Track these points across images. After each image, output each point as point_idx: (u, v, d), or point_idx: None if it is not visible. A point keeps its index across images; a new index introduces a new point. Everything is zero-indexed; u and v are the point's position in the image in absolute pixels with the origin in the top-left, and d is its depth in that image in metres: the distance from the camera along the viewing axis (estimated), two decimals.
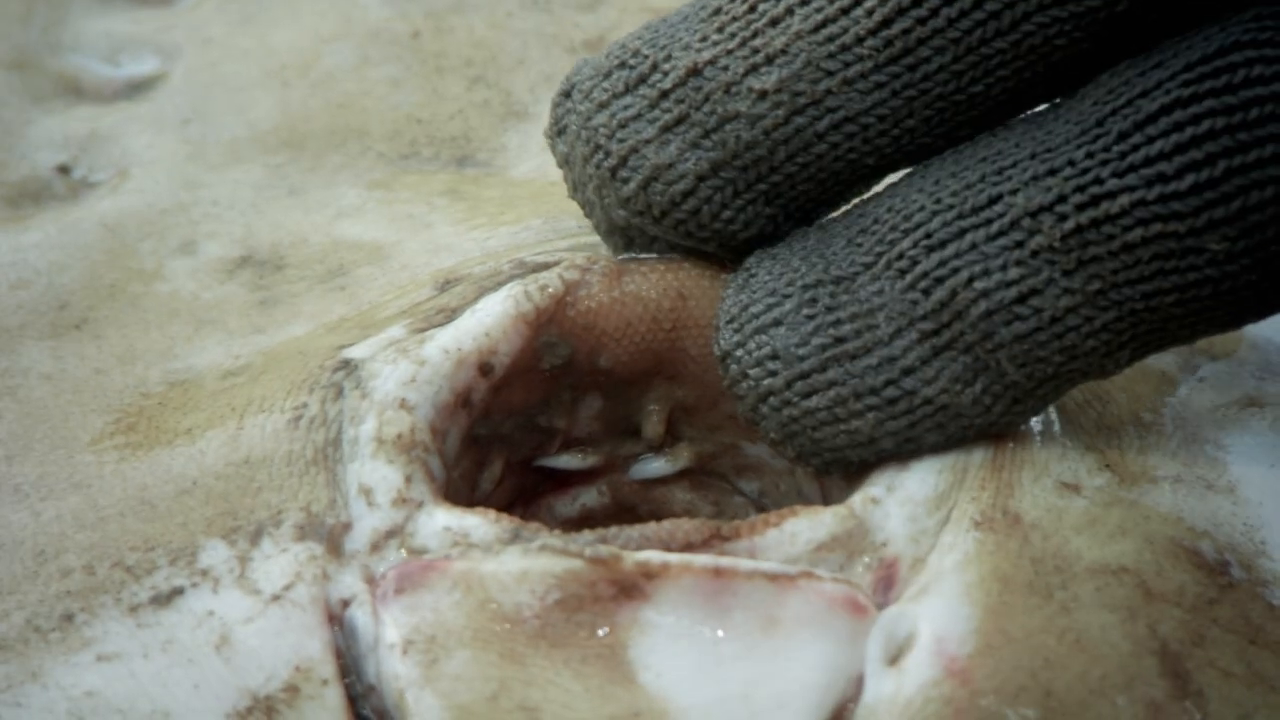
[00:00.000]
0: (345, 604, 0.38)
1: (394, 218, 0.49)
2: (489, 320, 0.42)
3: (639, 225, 0.41)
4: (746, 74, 0.39)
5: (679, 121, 0.40)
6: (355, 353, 0.42)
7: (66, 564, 0.39)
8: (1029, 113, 0.38)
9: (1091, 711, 0.35)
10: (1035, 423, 0.40)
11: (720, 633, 0.37)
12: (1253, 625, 0.37)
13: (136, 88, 0.56)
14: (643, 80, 0.40)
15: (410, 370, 0.41)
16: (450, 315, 0.43)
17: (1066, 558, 0.37)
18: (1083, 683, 0.36)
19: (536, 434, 0.44)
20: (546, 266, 0.43)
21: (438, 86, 0.55)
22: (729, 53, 0.39)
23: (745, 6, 0.39)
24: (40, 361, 0.45)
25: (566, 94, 0.42)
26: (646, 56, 0.40)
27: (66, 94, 0.56)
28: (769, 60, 0.39)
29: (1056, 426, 0.40)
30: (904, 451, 0.39)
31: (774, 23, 0.39)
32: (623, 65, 0.41)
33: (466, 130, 0.53)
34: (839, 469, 0.40)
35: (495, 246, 0.46)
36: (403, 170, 0.52)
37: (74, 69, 0.57)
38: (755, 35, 0.39)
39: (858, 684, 0.37)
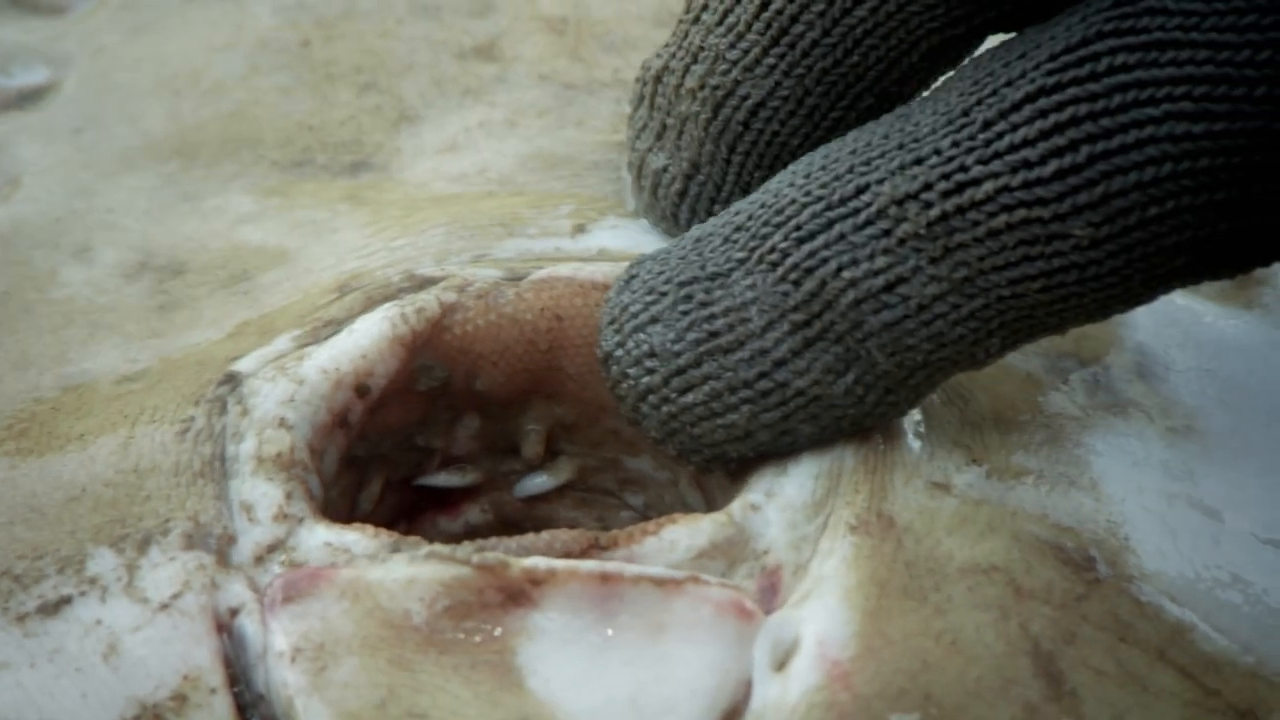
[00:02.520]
0: (234, 613, 0.37)
1: (296, 223, 0.48)
2: (365, 342, 0.41)
3: (667, 230, 0.44)
4: (683, 75, 0.41)
5: (662, 128, 0.43)
6: (241, 366, 0.41)
7: None
8: (899, 108, 0.38)
9: (970, 714, 0.35)
10: (905, 424, 0.39)
11: (608, 637, 0.36)
12: (1121, 622, 0.37)
13: (28, 97, 0.54)
14: (640, 93, 0.43)
15: (289, 389, 0.40)
16: (335, 328, 0.41)
17: (939, 559, 0.37)
18: (960, 684, 0.35)
19: (415, 453, 0.43)
20: (434, 281, 0.42)
21: (328, 94, 0.53)
22: (674, 56, 0.41)
23: (685, 9, 0.41)
24: None
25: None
26: (649, 66, 0.43)
27: None
28: (694, 59, 0.40)
29: (923, 427, 0.40)
30: (781, 445, 0.38)
31: (695, 20, 0.41)
32: (637, 79, 0.44)
33: (359, 136, 0.52)
34: (720, 465, 0.39)
35: (403, 250, 0.45)
36: (298, 178, 0.50)
37: None
38: (686, 35, 0.41)
39: (746, 688, 0.36)
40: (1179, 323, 0.45)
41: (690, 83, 0.40)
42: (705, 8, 0.40)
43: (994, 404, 0.41)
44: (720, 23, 0.40)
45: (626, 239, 0.45)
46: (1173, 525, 0.39)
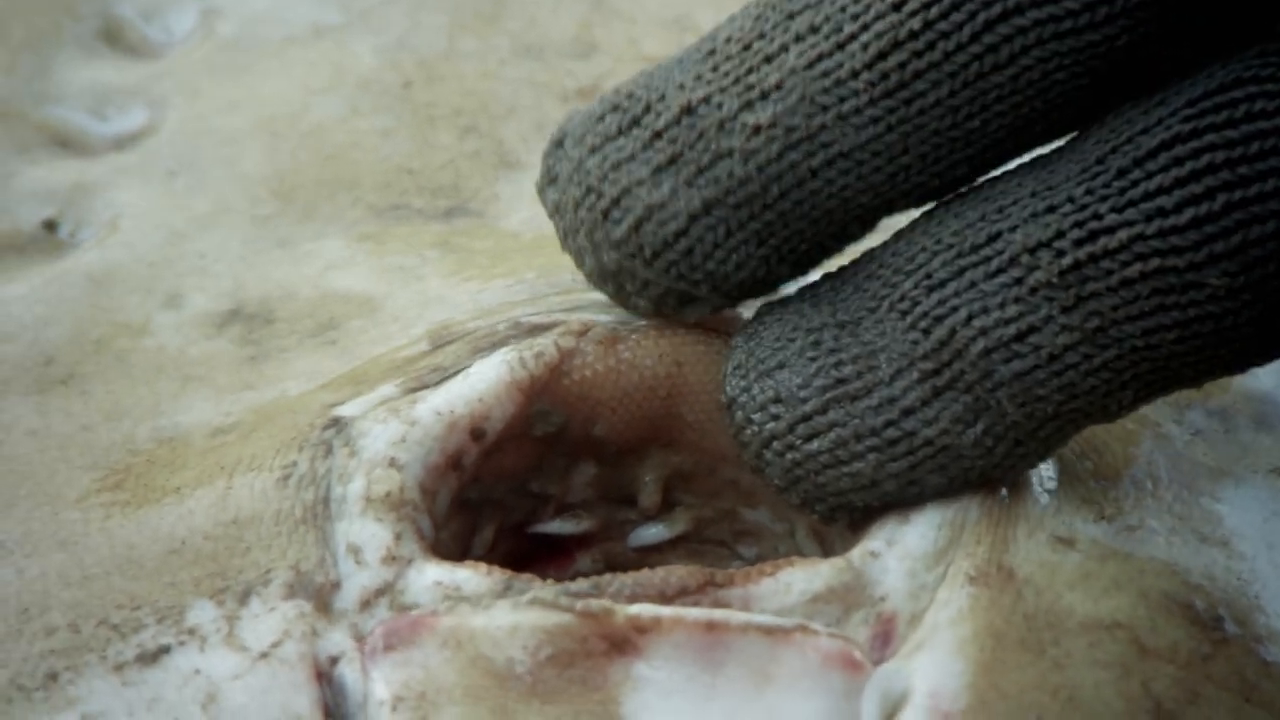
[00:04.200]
0: (334, 661, 0.38)
1: (384, 269, 0.50)
2: (482, 385, 0.42)
3: (630, 268, 0.41)
4: (741, 110, 0.39)
5: (672, 161, 0.40)
6: (346, 410, 0.43)
7: (51, 622, 0.39)
8: (1032, 155, 0.39)
9: None
10: (1032, 476, 0.41)
11: (713, 688, 0.37)
12: (1247, 683, 0.38)
13: (124, 140, 0.56)
14: (635, 122, 0.41)
15: (400, 430, 0.41)
16: (444, 374, 0.43)
17: (1059, 614, 0.38)
18: None
19: (529, 499, 0.45)
20: (543, 328, 0.44)
21: (428, 136, 0.55)
22: (723, 90, 0.40)
23: (740, 45, 0.40)
24: (25, 417, 0.46)
25: (558, 143, 0.43)
26: (640, 98, 0.41)
27: (51, 145, 0.56)
28: (763, 96, 0.39)
29: (1053, 480, 0.41)
30: (907, 496, 0.40)
31: (768, 59, 0.39)
32: (615, 109, 0.41)
33: (457, 180, 0.54)
34: (844, 515, 0.41)
35: (488, 301, 0.46)
36: (393, 222, 0.52)
37: (59, 121, 0.57)
38: (750, 72, 0.39)
39: None
40: None
41: (754, 119, 0.39)
42: (784, 48, 0.39)
43: (1127, 458, 0.42)
44: (811, 66, 0.39)
45: None
46: None
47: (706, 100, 0.40)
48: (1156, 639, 0.38)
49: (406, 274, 0.49)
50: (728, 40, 0.40)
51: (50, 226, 0.53)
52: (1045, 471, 0.41)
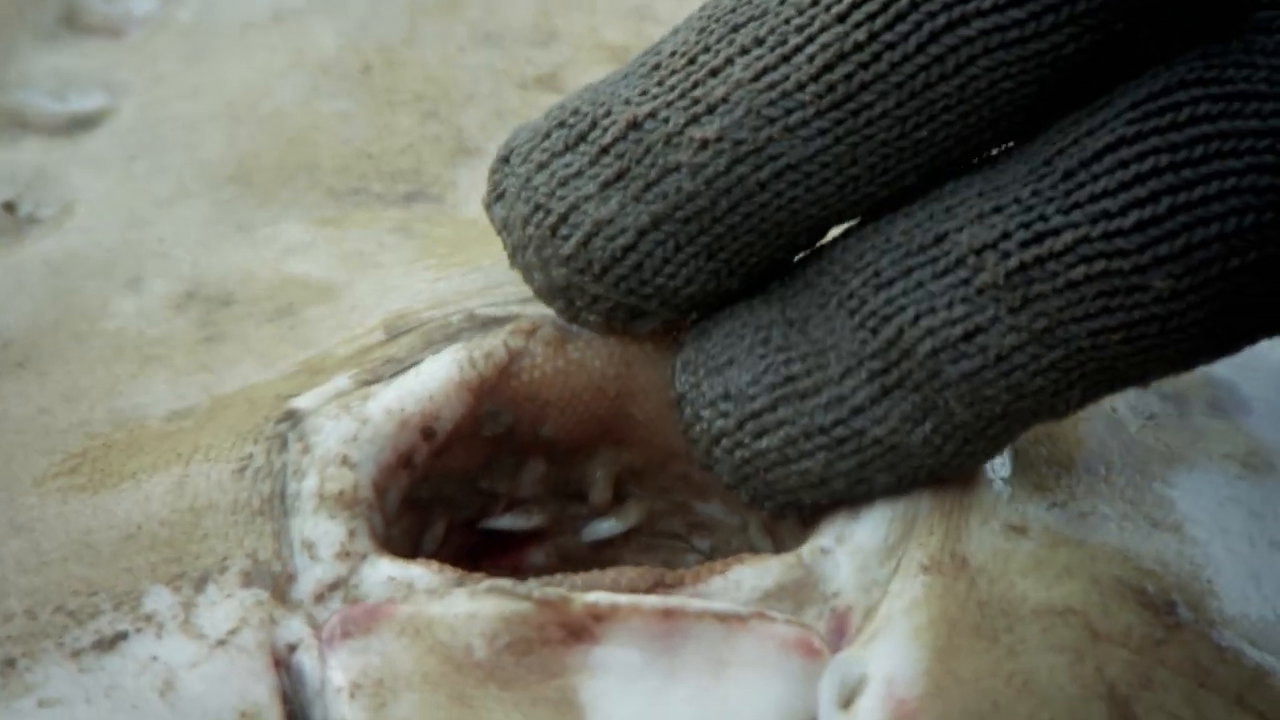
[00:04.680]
0: (292, 649, 0.38)
1: (344, 255, 0.50)
2: (433, 384, 0.42)
3: (579, 284, 0.41)
4: (687, 124, 0.39)
5: (619, 176, 0.40)
6: (300, 403, 0.43)
7: (8, 608, 0.39)
8: (982, 158, 0.39)
9: None
10: (985, 465, 0.41)
11: (671, 675, 0.38)
12: (1201, 668, 0.38)
13: (83, 123, 0.56)
14: (582, 138, 0.41)
15: (353, 428, 0.41)
16: (397, 368, 0.43)
17: (1013, 600, 0.38)
18: None
19: (479, 496, 0.45)
20: (496, 322, 0.44)
21: (388, 121, 0.55)
22: (669, 104, 0.39)
23: (685, 59, 0.40)
24: None
25: (505, 159, 0.42)
26: (585, 114, 0.41)
27: (11, 129, 0.56)
28: (710, 110, 0.39)
29: (1006, 468, 0.41)
30: (856, 494, 0.40)
31: (714, 73, 0.39)
32: (561, 124, 0.41)
33: (417, 165, 0.54)
34: (793, 512, 0.41)
35: (445, 290, 0.46)
36: (353, 206, 0.52)
37: (19, 104, 0.57)
38: (695, 86, 0.39)
39: None
40: (1257, 358, 0.46)
41: (700, 133, 0.39)
42: (729, 61, 0.39)
43: (1079, 444, 0.43)
44: (757, 78, 0.38)
45: None
46: (1256, 568, 0.41)
47: (653, 115, 0.40)
48: (1109, 624, 0.38)
49: (365, 260, 0.49)
50: (672, 54, 0.40)
51: (9, 208, 0.53)
52: (997, 459, 0.41)
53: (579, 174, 0.40)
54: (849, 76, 0.38)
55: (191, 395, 0.45)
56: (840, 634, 0.39)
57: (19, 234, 0.52)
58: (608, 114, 0.40)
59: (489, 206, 0.43)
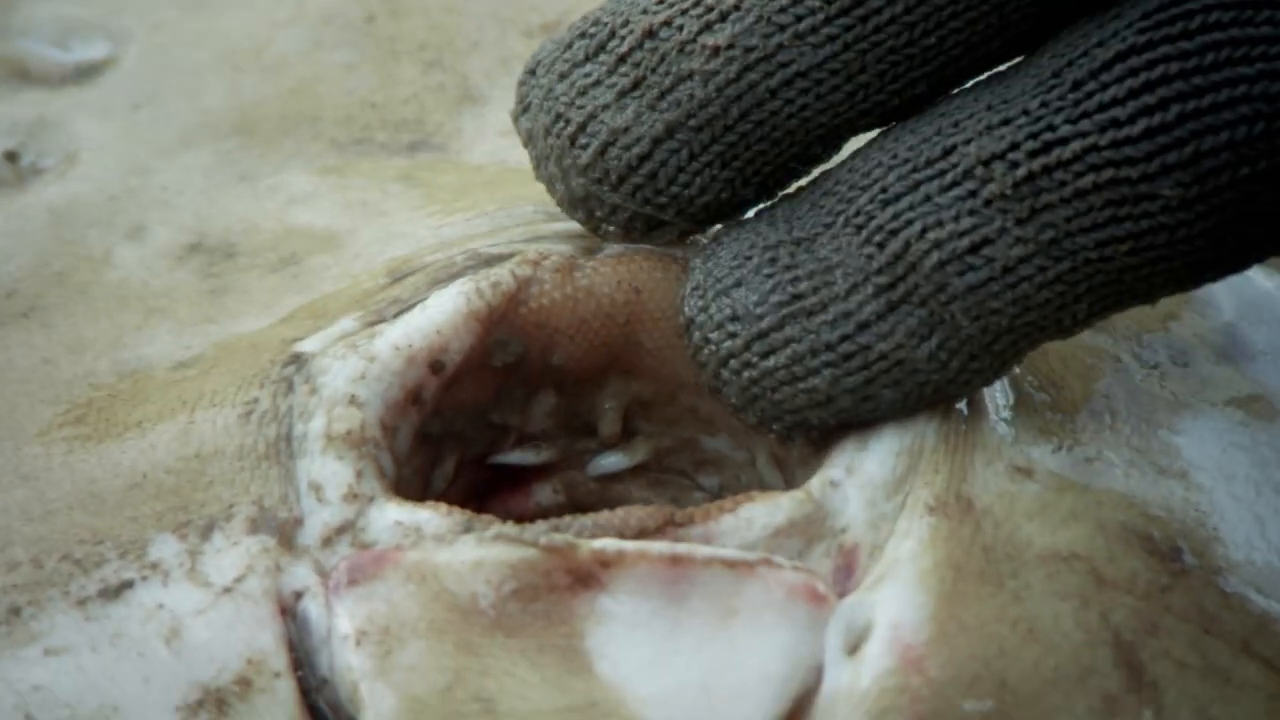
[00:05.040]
0: (298, 596, 0.39)
1: (348, 204, 0.50)
2: (440, 317, 0.42)
3: (597, 193, 0.42)
4: (700, 32, 0.40)
5: (635, 85, 0.41)
6: (305, 346, 0.43)
7: (13, 557, 0.39)
8: (991, 73, 0.39)
9: (1046, 702, 0.36)
10: (989, 405, 0.41)
11: (678, 622, 0.38)
12: (1206, 614, 0.38)
13: (86, 72, 0.56)
14: (601, 47, 0.41)
15: (360, 366, 0.41)
16: (402, 307, 0.43)
17: (1018, 545, 0.38)
18: (1036, 673, 0.37)
19: (490, 431, 0.45)
20: (500, 258, 0.44)
21: (392, 70, 0.55)
22: (683, 13, 0.40)
23: None
24: None
25: (531, 71, 0.43)
26: (605, 24, 0.41)
27: (13, 78, 0.56)
28: (722, 17, 0.40)
29: (1010, 410, 0.41)
30: (863, 412, 0.40)
31: None
32: (583, 35, 0.42)
33: (421, 114, 0.54)
34: (801, 433, 0.41)
35: (450, 234, 0.47)
36: (356, 156, 0.52)
37: (21, 53, 0.57)
38: None
39: (818, 674, 0.37)
40: (1262, 303, 0.46)
41: (713, 40, 0.40)
42: None
43: (1086, 391, 0.43)
44: None
45: None
46: (1260, 513, 0.41)
47: (668, 23, 0.40)
48: (1115, 570, 0.38)
49: (369, 209, 0.49)
50: None
51: (11, 158, 0.53)
52: (1001, 400, 0.42)
53: (597, 83, 0.41)
54: None
55: (196, 345, 0.45)
56: (848, 572, 0.39)
57: (21, 184, 0.52)
58: (625, 24, 0.41)
59: (516, 119, 0.43)
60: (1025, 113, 0.37)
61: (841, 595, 0.38)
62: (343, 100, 0.54)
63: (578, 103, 0.41)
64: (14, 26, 0.58)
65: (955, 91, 0.40)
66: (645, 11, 0.41)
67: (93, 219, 0.50)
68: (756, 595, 0.38)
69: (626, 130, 0.41)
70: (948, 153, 0.38)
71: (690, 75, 0.40)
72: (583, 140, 0.41)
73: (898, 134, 0.39)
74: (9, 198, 0.51)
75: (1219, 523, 0.40)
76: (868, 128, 0.41)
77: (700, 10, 0.40)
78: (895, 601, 0.38)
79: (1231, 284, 0.46)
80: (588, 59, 0.42)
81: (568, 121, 0.42)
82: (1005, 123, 0.37)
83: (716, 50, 0.40)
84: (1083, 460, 0.41)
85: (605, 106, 0.41)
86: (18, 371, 0.45)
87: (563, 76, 0.42)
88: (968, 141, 0.38)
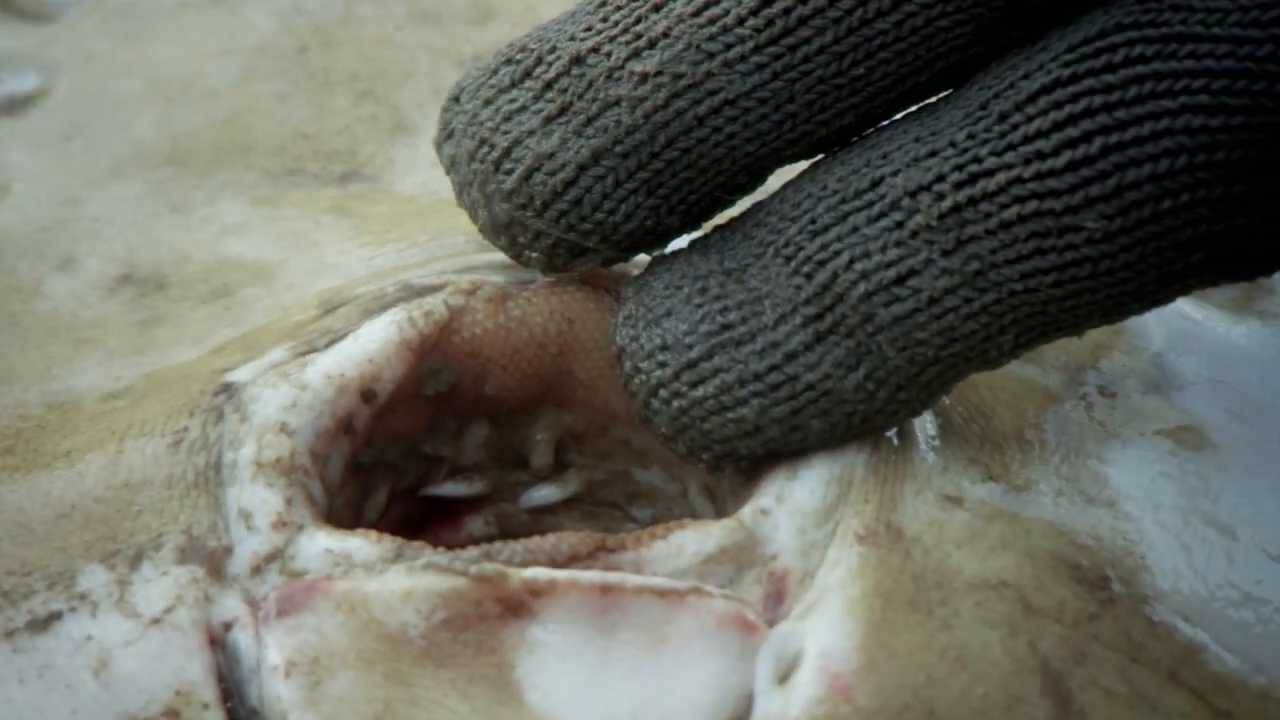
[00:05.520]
0: (227, 627, 0.38)
1: (279, 235, 0.50)
2: (372, 346, 0.42)
3: (521, 219, 0.42)
4: (629, 58, 0.40)
5: (562, 111, 0.41)
6: (236, 376, 0.43)
7: None
8: (920, 106, 0.40)
9: None
10: (920, 437, 0.41)
11: (608, 651, 0.38)
12: (1134, 642, 0.39)
13: (17, 104, 0.56)
14: (528, 74, 0.41)
15: (291, 395, 0.41)
16: (334, 338, 0.43)
17: (947, 573, 0.39)
18: (965, 702, 0.37)
19: (422, 462, 0.45)
20: (432, 289, 0.44)
21: (324, 101, 0.55)
22: (612, 39, 0.40)
23: None
24: None
25: (455, 98, 0.43)
26: (532, 50, 0.42)
27: None
28: (651, 44, 0.40)
29: (939, 440, 0.42)
30: (791, 441, 0.40)
31: (657, 8, 0.40)
32: (509, 61, 0.42)
33: (353, 145, 0.54)
34: (730, 463, 0.41)
35: (382, 265, 0.47)
36: (289, 187, 0.52)
37: None
38: (638, 21, 0.40)
39: (748, 703, 0.37)
40: (1191, 334, 0.47)
41: (641, 66, 0.40)
42: None
43: (1015, 422, 0.43)
44: (698, 13, 0.39)
45: None
46: (1188, 542, 0.41)
47: (596, 50, 0.40)
48: (1043, 598, 0.39)
49: (301, 239, 0.49)
50: None
51: None
52: (931, 430, 0.42)
53: (523, 109, 0.41)
54: (787, 11, 0.39)
55: (126, 377, 0.45)
56: (778, 600, 0.39)
57: None
58: (553, 50, 0.41)
59: (439, 145, 0.43)
60: (952, 145, 0.37)
61: (771, 623, 0.38)
62: (275, 131, 0.54)
63: (502, 128, 0.41)
64: None
65: (885, 124, 0.40)
66: (573, 38, 0.41)
67: (23, 250, 0.50)
68: (687, 624, 0.38)
69: (552, 156, 0.41)
70: (875, 184, 0.38)
71: (618, 101, 0.40)
72: (507, 165, 0.41)
73: (828, 165, 0.40)
74: None
75: (1147, 551, 0.41)
76: (795, 158, 0.41)
77: (629, 37, 0.40)
78: (825, 630, 0.38)
79: (1161, 314, 0.47)
80: (513, 85, 0.42)
81: (492, 147, 0.41)
82: (932, 154, 0.38)
83: (645, 77, 0.40)
84: (1012, 489, 0.41)
85: (531, 132, 0.41)
86: None
87: (488, 102, 0.42)
88: (895, 173, 0.38)
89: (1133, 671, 0.38)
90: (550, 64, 0.41)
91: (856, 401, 0.39)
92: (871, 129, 0.40)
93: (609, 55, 0.40)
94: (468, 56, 0.57)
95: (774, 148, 0.40)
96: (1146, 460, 0.43)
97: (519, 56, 0.42)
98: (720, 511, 0.44)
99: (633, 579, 0.38)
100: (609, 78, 0.40)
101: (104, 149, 0.54)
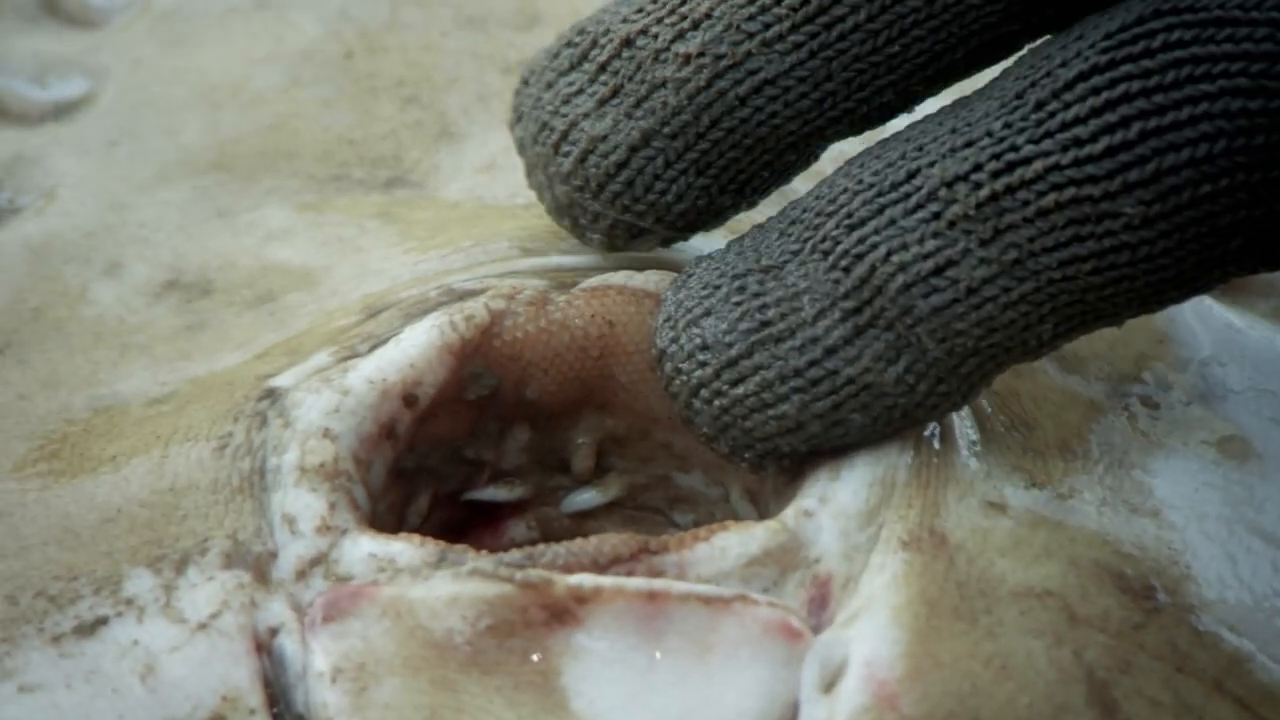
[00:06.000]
0: (273, 632, 0.39)
1: (324, 241, 0.50)
2: (414, 351, 0.42)
3: (580, 201, 0.43)
4: (673, 40, 0.41)
5: (614, 93, 0.42)
6: (280, 381, 0.43)
7: None
8: (957, 99, 0.40)
9: None
10: (962, 442, 0.41)
11: (654, 658, 0.38)
12: (1179, 652, 0.38)
13: (64, 109, 0.56)
14: (584, 56, 0.42)
15: (334, 400, 0.41)
16: (376, 343, 0.43)
17: (991, 581, 0.39)
18: (1010, 710, 0.37)
19: (464, 466, 0.45)
20: (474, 294, 0.44)
21: (370, 107, 0.55)
22: (659, 21, 0.41)
23: None
24: None
25: (525, 81, 0.44)
26: (589, 33, 0.43)
27: None
28: (695, 25, 0.41)
29: (981, 446, 0.42)
30: (832, 437, 0.40)
31: None
32: (569, 44, 0.43)
33: (398, 151, 0.54)
34: (772, 461, 0.41)
35: (425, 270, 0.47)
36: (334, 192, 0.52)
37: None
38: (683, 3, 0.41)
39: (794, 710, 0.38)
40: (1236, 344, 0.47)
41: (684, 48, 0.41)
42: None
43: (1059, 431, 0.43)
44: None
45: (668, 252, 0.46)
46: (1233, 552, 0.41)
47: (644, 31, 0.41)
48: (1088, 607, 0.39)
49: (345, 245, 0.49)
50: None
51: None
52: (971, 436, 0.42)
53: (580, 92, 0.43)
54: None
55: (171, 382, 0.45)
56: (822, 604, 0.39)
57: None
58: (606, 32, 0.42)
59: (511, 127, 0.45)
60: (988, 134, 0.37)
61: (816, 628, 0.39)
62: (320, 136, 0.54)
63: (561, 111, 0.43)
64: None
65: (920, 116, 0.40)
66: (625, 20, 0.42)
67: (70, 255, 0.50)
68: (733, 631, 0.38)
69: (605, 138, 0.42)
70: (911, 176, 0.38)
71: (664, 83, 0.41)
72: (565, 148, 0.43)
73: (863, 159, 0.40)
74: None
75: (1192, 561, 0.41)
76: (839, 136, 0.41)
77: (674, 19, 0.41)
78: (870, 638, 0.38)
79: (1206, 324, 0.47)
80: (572, 68, 0.43)
81: (551, 130, 0.43)
82: (969, 144, 0.38)
83: (688, 58, 0.41)
84: (1056, 497, 0.41)
85: (586, 114, 0.42)
86: None
87: (549, 85, 0.43)
88: (931, 164, 0.38)
89: (1178, 681, 0.38)
90: (604, 46, 0.42)
91: (897, 395, 0.39)
92: (906, 124, 0.40)
93: (656, 37, 0.41)
94: (513, 62, 0.58)
95: (817, 125, 0.41)
96: (1191, 470, 0.43)
97: (577, 39, 0.43)
98: (763, 515, 0.44)
99: (679, 586, 0.38)
100: (656, 59, 0.41)
101: (150, 154, 0.54)
